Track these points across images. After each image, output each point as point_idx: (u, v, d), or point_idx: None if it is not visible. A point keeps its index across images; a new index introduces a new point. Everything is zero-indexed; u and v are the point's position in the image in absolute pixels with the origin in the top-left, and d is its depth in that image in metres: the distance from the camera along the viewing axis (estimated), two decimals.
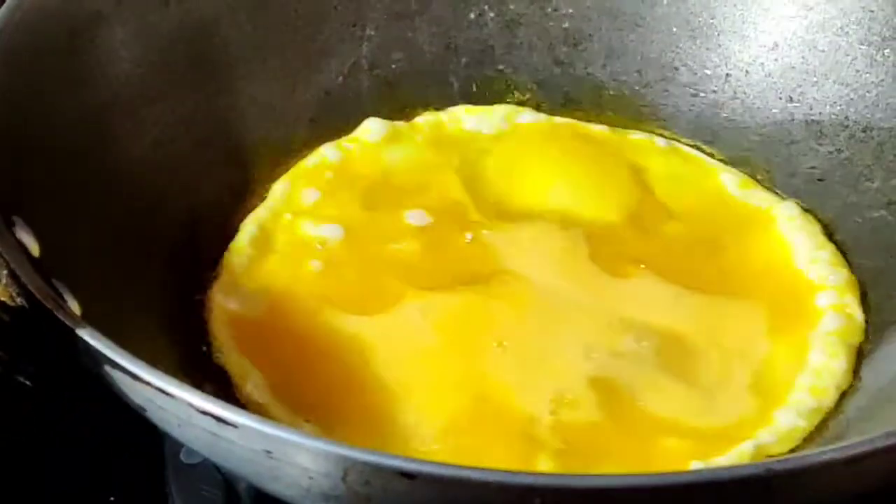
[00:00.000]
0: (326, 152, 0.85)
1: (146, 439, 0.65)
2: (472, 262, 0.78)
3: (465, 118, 0.88)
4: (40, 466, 0.70)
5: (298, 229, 0.79)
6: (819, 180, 0.83)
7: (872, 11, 0.82)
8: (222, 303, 0.75)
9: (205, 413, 0.51)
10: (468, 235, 0.80)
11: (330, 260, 0.78)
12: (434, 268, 0.77)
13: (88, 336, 0.54)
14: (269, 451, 0.51)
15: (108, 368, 0.54)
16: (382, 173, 0.84)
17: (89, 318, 0.55)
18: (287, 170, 0.83)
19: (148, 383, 0.52)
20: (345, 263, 0.78)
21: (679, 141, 0.88)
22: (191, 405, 0.51)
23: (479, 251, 0.78)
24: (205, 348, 0.72)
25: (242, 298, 0.75)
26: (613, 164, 0.85)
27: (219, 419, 0.51)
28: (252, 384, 0.69)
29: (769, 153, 0.85)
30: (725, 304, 0.76)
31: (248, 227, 0.79)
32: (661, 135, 0.89)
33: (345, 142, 0.85)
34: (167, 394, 0.52)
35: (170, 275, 0.74)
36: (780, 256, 0.79)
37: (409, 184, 0.83)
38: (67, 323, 0.54)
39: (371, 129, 0.86)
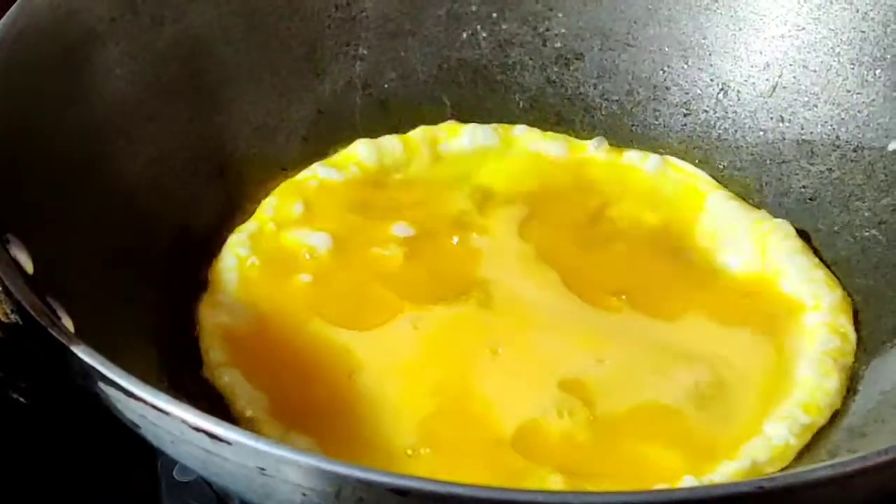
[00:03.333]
0: (317, 169, 0.84)
1: (140, 457, 0.65)
2: (462, 273, 0.78)
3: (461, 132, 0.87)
4: (34, 484, 0.69)
5: (286, 240, 0.80)
6: (810, 199, 0.83)
7: (863, 32, 0.83)
8: (211, 318, 0.75)
9: (198, 430, 0.51)
10: (455, 241, 0.81)
11: (318, 271, 0.78)
12: (423, 279, 0.77)
13: (82, 353, 0.54)
14: (262, 468, 0.51)
15: (101, 385, 0.54)
16: (372, 186, 0.84)
17: (82, 335, 0.55)
18: (277, 185, 0.82)
19: (141, 399, 0.52)
20: (334, 274, 0.78)
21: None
22: (184, 422, 0.51)
23: (468, 263, 0.79)
24: (197, 364, 0.71)
25: (231, 312, 0.75)
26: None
27: (212, 436, 0.51)
28: (244, 400, 0.69)
29: (760, 172, 0.86)
30: (716, 321, 0.75)
31: (236, 242, 0.79)
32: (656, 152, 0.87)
33: (335, 159, 0.85)
34: (160, 410, 0.52)
35: (162, 291, 0.74)
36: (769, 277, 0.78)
37: (398, 197, 0.84)
38: (61, 339, 0.54)
39: (361, 150, 0.86)
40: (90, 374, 0.54)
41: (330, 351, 0.73)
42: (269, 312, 0.75)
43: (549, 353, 0.73)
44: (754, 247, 0.81)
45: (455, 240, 0.80)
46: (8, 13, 0.72)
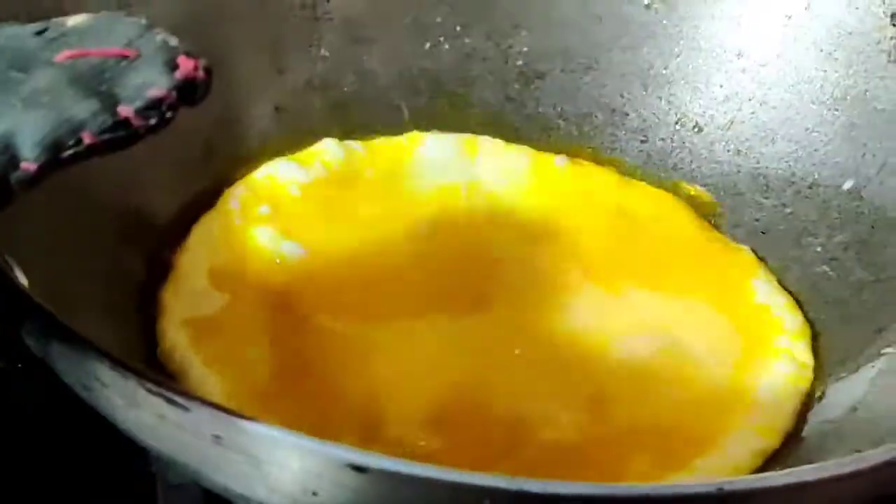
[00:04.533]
0: (280, 167, 0.83)
1: (135, 460, 0.64)
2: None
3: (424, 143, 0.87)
4: (31, 485, 0.68)
5: (253, 238, 0.79)
6: (762, 232, 0.84)
7: (825, 72, 0.84)
8: (173, 303, 0.73)
9: (155, 393, 0.49)
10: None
11: (290, 277, 0.77)
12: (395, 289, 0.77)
13: (40, 302, 0.52)
14: (218, 437, 0.49)
15: (55, 344, 0.52)
16: (338, 188, 0.83)
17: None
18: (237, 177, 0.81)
19: (96, 358, 0.50)
20: (306, 282, 0.77)
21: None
22: (140, 384, 0.50)
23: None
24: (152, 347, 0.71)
25: (194, 298, 0.73)
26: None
27: (170, 401, 0.49)
28: (207, 386, 0.68)
29: (714, 203, 0.85)
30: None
31: (203, 232, 0.78)
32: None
33: (301, 157, 0.84)
34: (116, 370, 0.50)
35: (117, 270, 0.72)
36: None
37: (369, 206, 0.83)
38: (20, 288, 0.53)
39: (328, 149, 0.85)
40: (45, 329, 0.52)
41: (299, 336, 0.72)
42: (233, 298, 0.74)
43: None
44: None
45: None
46: None
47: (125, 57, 0.47)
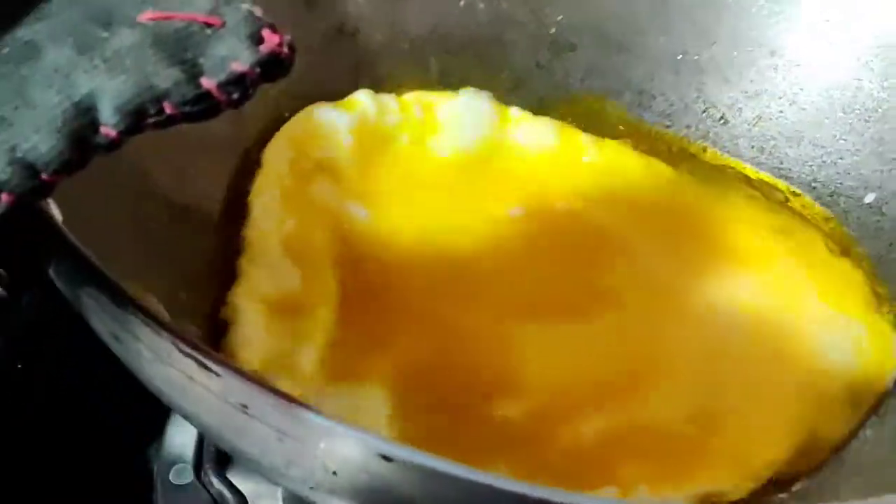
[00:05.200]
0: (319, 114, 0.82)
1: (135, 460, 0.64)
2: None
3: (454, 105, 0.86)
4: (31, 486, 0.68)
5: (312, 197, 0.78)
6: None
7: (860, 80, 0.83)
8: (248, 272, 0.73)
9: (187, 355, 0.49)
10: None
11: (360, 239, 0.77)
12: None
13: (75, 242, 0.51)
14: (245, 406, 0.49)
15: (87, 289, 0.51)
16: (382, 147, 0.83)
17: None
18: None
19: (129, 309, 0.50)
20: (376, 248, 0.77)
21: None
22: (174, 344, 0.49)
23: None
24: None
25: (269, 271, 0.73)
26: None
27: (201, 364, 0.49)
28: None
29: None
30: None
31: (260, 201, 0.77)
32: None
33: (337, 105, 0.83)
34: (152, 325, 0.49)
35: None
36: None
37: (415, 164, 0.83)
38: (55, 224, 0.52)
39: (362, 100, 0.84)
40: (76, 271, 0.51)
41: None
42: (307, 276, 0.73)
43: None
44: None
45: None
46: None
47: (210, 25, 0.46)
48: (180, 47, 0.45)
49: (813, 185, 0.83)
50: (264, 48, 0.46)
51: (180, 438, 0.69)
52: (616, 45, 0.89)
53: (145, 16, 0.46)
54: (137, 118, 0.44)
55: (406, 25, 0.88)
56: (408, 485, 0.48)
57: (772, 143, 0.85)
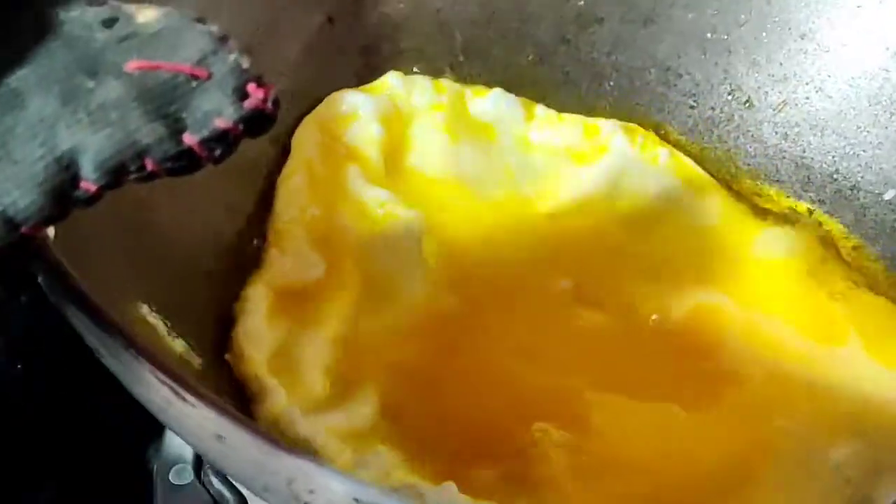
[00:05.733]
0: (347, 99, 0.82)
1: (135, 460, 0.64)
2: None
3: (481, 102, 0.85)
4: (31, 486, 0.68)
5: (343, 187, 0.77)
6: (790, 225, 0.82)
7: (888, 71, 0.82)
8: (275, 262, 0.73)
9: (164, 383, 0.49)
10: None
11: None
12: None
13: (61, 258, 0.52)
14: (220, 437, 0.49)
15: (69, 306, 0.52)
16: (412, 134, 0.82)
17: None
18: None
19: (110, 330, 0.50)
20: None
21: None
22: (151, 372, 0.49)
23: None
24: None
25: (294, 262, 0.73)
26: None
27: (177, 393, 0.49)
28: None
29: (751, 185, 0.84)
30: None
31: (286, 188, 0.77)
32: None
33: (366, 89, 0.83)
34: (131, 350, 0.50)
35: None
36: None
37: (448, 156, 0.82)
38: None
39: (393, 84, 0.84)
40: (60, 286, 0.51)
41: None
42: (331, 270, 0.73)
43: None
44: None
45: None
46: None
47: (196, 77, 0.45)
48: (165, 100, 0.45)
49: (834, 176, 0.82)
50: (249, 104, 0.45)
51: (180, 439, 0.69)
52: (644, 19, 0.88)
53: (132, 65, 0.45)
54: (118, 174, 0.44)
55: None
56: None
57: (796, 129, 0.84)
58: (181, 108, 0.45)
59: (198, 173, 0.69)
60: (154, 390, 0.50)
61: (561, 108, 0.87)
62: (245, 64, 0.45)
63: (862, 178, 0.81)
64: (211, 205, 0.72)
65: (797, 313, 0.74)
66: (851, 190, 0.81)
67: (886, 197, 0.79)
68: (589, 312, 0.74)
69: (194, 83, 0.45)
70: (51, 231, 0.54)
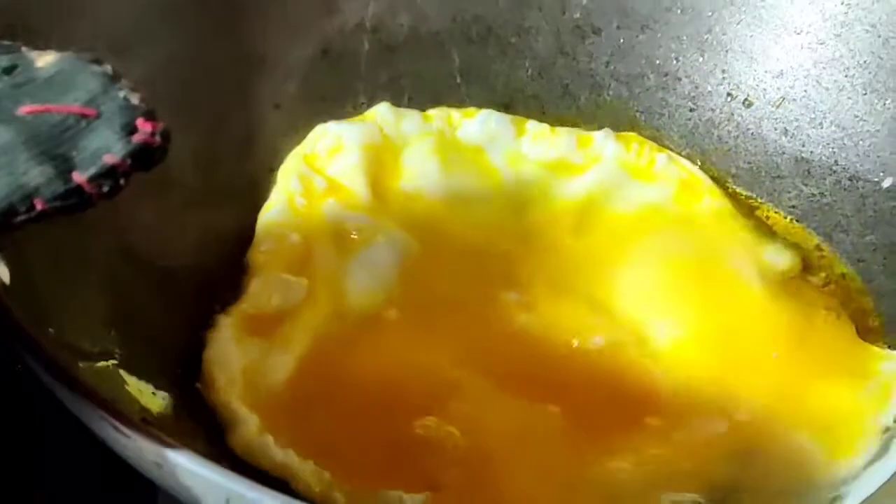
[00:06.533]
0: (330, 129, 0.84)
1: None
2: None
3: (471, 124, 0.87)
4: (28, 488, 0.70)
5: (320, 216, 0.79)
6: (798, 220, 0.82)
7: (881, 59, 0.82)
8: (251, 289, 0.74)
9: (101, 417, 0.51)
10: None
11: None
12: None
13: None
14: (158, 464, 0.51)
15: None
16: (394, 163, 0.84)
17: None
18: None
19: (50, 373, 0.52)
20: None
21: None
22: (89, 406, 0.51)
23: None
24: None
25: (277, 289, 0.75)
26: None
27: (114, 427, 0.51)
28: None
29: (753, 182, 0.85)
30: None
31: (268, 223, 0.79)
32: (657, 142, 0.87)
33: (353, 120, 0.85)
34: (67, 389, 0.52)
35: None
36: None
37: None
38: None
39: (382, 114, 0.85)
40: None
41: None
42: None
43: None
44: None
45: None
46: None
47: (85, 116, 0.47)
48: (54, 142, 0.46)
49: (833, 168, 0.82)
50: (137, 138, 0.47)
51: None
52: (640, 26, 0.89)
53: (24, 109, 0.47)
54: (7, 216, 0.45)
55: (426, 17, 0.88)
56: None
57: (794, 124, 0.84)
58: (70, 148, 0.46)
59: (194, 201, 0.72)
60: (96, 425, 0.51)
61: (560, 121, 0.88)
62: (135, 100, 0.47)
63: (861, 167, 0.81)
64: (197, 233, 0.74)
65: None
66: (850, 180, 0.81)
67: (885, 185, 0.79)
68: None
69: (84, 122, 0.47)
70: (5, 276, 0.56)
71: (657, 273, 0.77)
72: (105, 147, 0.46)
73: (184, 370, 0.69)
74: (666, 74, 0.88)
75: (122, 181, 0.47)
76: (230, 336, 0.71)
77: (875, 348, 0.74)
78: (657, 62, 0.88)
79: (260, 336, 0.71)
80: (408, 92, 0.88)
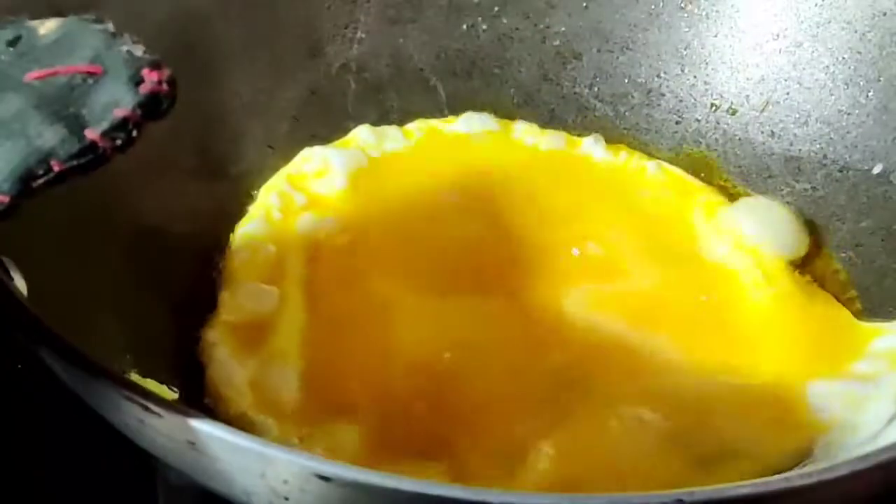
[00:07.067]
0: (315, 154, 0.85)
1: (137, 461, 0.65)
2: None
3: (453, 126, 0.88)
4: (29, 488, 0.70)
5: (294, 226, 0.80)
6: (795, 217, 0.83)
7: (860, 53, 0.82)
8: (226, 302, 0.76)
9: (132, 400, 0.51)
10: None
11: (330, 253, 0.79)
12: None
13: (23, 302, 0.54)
14: (191, 443, 0.51)
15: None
16: (376, 178, 0.84)
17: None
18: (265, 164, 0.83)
19: (78, 361, 0.52)
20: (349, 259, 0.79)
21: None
22: (118, 391, 0.51)
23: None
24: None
25: (246, 297, 0.75)
26: None
27: (145, 407, 0.50)
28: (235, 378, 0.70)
29: (747, 185, 0.86)
30: None
31: (244, 234, 0.80)
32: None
33: (335, 144, 0.86)
34: (100, 377, 0.52)
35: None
36: None
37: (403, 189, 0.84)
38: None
39: (361, 136, 0.86)
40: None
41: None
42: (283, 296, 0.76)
43: None
44: None
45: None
46: None
47: (91, 74, 0.47)
48: (64, 102, 0.47)
49: (823, 162, 0.83)
50: (144, 88, 0.47)
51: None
52: (620, 47, 0.90)
53: (31, 75, 0.48)
54: (27, 180, 0.46)
55: (409, 55, 0.90)
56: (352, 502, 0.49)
57: (780, 125, 0.85)
58: (81, 106, 0.47)
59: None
60: (125, 411, 0.51)
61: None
62: (138, 52, 0.48)
63: (850, 157, 0.82)
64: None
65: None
66: (841, 171, 0.82)
67: (875, 171, 0.80)
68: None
69: (91, 80, 0.47)
70: (23, 287, 0.56)
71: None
72: (114, 101, 0.47)
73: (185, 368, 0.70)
74: (649, 91, 0.89)
75: (134, 133, 0.47)
76: (227, 354, 0.71)
77: (873, 325, 0.75)
78: (640, 80, 0.90)
79: (252, 347, 0.72)
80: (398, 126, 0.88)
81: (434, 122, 0.89)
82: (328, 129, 0.87)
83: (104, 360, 0.53)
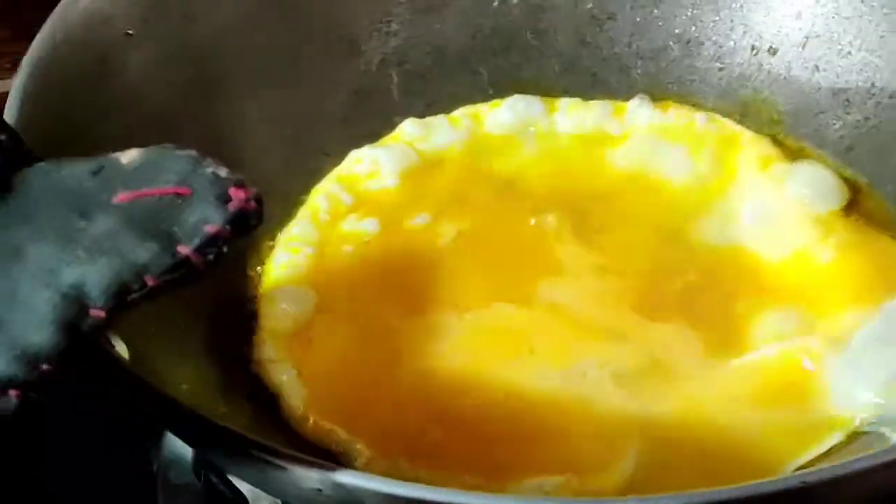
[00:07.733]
0: (364, 154, 0.86)
1: (137, 459, 0.66)
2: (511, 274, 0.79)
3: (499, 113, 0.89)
4: (29, 488, 0.71)
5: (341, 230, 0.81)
6: (849, 149, 0.83)
7: None
8: (267, 312, 0.77)
9: (256, 458, 0.52)
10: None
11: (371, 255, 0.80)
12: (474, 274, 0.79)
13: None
14: (319, 490, 0.52)
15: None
16: (427, 173, 0.85)
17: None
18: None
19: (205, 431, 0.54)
20: (389, 261, 0.79)
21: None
22: (243, 448, 0.53)
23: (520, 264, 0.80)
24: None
25: (287, 303, 0.76)
26: None
27: (270, 463, 0.52)
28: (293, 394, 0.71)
29: (798, 124, 0.86)
30: None
31: (288, 235, 0.81)
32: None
33: (382, 142, 0.87)
34: (225, 435, 0.53)
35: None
36: None
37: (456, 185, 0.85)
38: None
39: (407, 130, 0.87)
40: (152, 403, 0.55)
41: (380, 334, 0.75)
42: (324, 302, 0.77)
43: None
44: None
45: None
46: (43, 28, 0.72)
47: (179, 195, 0.49)
48: (154, 221, 0.49)
49: (871, 91, 0.83)
50: (233, 206, 0.49)
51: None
52: (653, 1, 0.90)
53: (119, 198, 0.49)
54: (122, 295, 0.48)
55: (446, 40, 0.90)
56: None
57: (824, 59, 0.86)
58: (171, 224, 0.49)
59: None
60: (250, 465, 0.53)
61: None
62: (223, 173, 0.49)
63: None
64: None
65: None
66: (891, 98, 0.82)
67: None
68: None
69: (179, 200, 0.49)
70: (125, 352, 0.58)
71: None
72: (204, 218, 0.49)
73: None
74: (688, 41, 0.90)
75: (224, 248, 0.49)
76: (291, 374, 0.73)
77: None
78: (677, 31, 0.90)
79: (306, 353, 0.74)
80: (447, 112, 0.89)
81: (479, 109, 0.89)
82: (377, 125, 0.88)
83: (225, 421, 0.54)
